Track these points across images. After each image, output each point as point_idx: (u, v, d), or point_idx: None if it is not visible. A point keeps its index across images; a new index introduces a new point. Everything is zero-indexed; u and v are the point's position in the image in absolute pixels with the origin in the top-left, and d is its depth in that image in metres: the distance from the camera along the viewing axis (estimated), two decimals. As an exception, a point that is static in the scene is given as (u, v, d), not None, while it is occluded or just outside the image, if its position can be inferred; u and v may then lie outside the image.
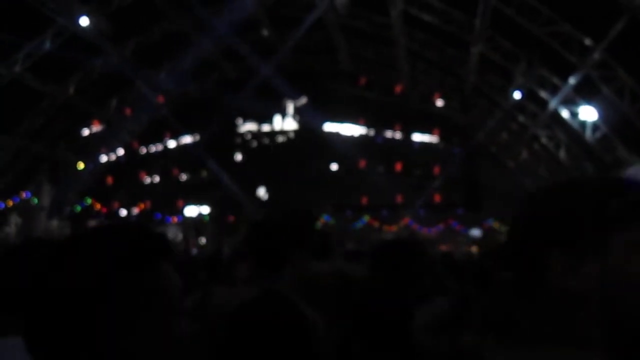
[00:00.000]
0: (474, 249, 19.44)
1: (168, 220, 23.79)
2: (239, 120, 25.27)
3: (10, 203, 18.46)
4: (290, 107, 24.82)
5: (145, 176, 24.56)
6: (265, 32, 18.71)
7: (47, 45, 16.08)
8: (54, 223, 19.67)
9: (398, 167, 23.07)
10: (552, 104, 15.41)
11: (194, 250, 16.96)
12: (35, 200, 17.42)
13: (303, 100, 24.32)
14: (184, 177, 25.07)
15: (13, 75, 16.14)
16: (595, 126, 14.97)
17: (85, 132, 20.98)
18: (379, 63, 19.98)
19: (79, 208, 21.11)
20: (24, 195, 19.25)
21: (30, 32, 15.72)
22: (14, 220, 13.26)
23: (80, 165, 21.00)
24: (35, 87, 17.20)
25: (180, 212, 24.27)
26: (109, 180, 22.86)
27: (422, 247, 2.80)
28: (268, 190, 23.67)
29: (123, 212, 23.82)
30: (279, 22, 18.52)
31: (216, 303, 2.37)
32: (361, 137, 23.89)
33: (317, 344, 1.46)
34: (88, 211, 21.39)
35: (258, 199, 23.46)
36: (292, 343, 1.41)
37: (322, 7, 15.84)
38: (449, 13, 15.25)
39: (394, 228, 22.78)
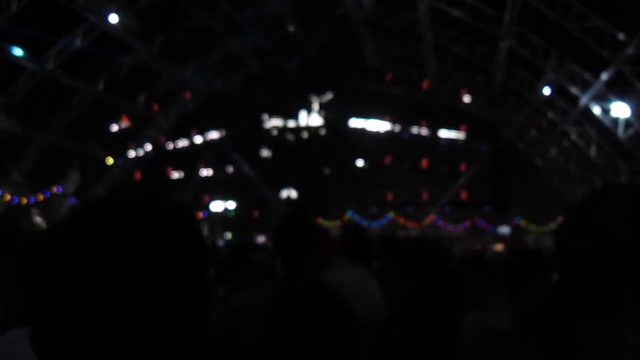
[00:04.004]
0: (499, 246, 19.19)
1: None
2: (265, 116, 25.35)
3: (41, 197, 18.88)
4: (315, 103, 24.80)
5: (172, 171, 24.85)
6: (291, 29, 18.72)
7: (78, 42, 16.35)
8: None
9: (424, 163, 22.89)
10: (583, 100, 15.08)
11: (220, 242, 17.14)
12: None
13: (329, 96, 24.29)
14: (210, 172, 25.29)
15: (45, 72, 16.47)
16: (628, 123, 14.61)
17: (114, 127, 21.30)
18: (406, 59, 19.82)
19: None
20: (55, 189, 19.66)
21: (61, 29, 16.00)
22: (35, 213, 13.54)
23: (109, 161, 21.36)
24: (65, 83, 17.52)
25: (206, 207, 24.50)
26: (137, 175, 23.20)
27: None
28: (293, 186, 23.71)
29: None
30: (305, 19, 18.51)
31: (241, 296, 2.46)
32: (387, 133, 23.76)
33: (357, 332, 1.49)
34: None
35: (283, 195, 23.53)
36: (339, 330, 1.44)
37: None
38: (478, 8, 15.02)
39: (419, 225, 22.65)
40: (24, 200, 17.83)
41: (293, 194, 23.70)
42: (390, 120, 23.55)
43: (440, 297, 2.05)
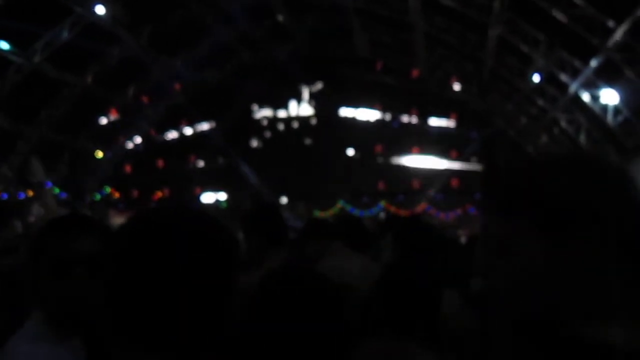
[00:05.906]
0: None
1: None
2: (255, 107, 25.26)
3: (31, 193, 18.68)
4: (305, 93, 24.75)
5: (163, 163, 24.73)
6: (280, 18, 18.61)
7: (65, 34, 16.13)
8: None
9: (415, 152, 22.97)
10: (573, 87, 15.16)
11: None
12: (57, 190, 17.62)
13: (319, 85, 24.24)
14: (201, 164, 25.20)
15: (32, 65, 16.25)
16: (616, 110, 14.71)
17: (104, 120, 21.10)
18: (396, 47, 19.78)
19: (98, 197, 21.33)
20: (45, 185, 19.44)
21: (47, 21, 15.77)
22: (36, 210, 13.36)
23: (99, 154, 21.18)
24: (53, 76, 17.30)
25: (197, 199, 24.43)
26: (128, 168, 23.05)
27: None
28: (284, 176, 23.67)
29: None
30: (294, 8, 18.40)
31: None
32: (377, 122, 23.79)
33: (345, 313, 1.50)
34: (107, 200, 21.61)
35: (274, 185, 23.49)
36: (329, 311, 1.44)
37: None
38: (468, -4, 15.00)
39: (411, 213, 22.73)
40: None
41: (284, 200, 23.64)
42: (380, 109, 23.58)
43: (418, 278, 2.04)
